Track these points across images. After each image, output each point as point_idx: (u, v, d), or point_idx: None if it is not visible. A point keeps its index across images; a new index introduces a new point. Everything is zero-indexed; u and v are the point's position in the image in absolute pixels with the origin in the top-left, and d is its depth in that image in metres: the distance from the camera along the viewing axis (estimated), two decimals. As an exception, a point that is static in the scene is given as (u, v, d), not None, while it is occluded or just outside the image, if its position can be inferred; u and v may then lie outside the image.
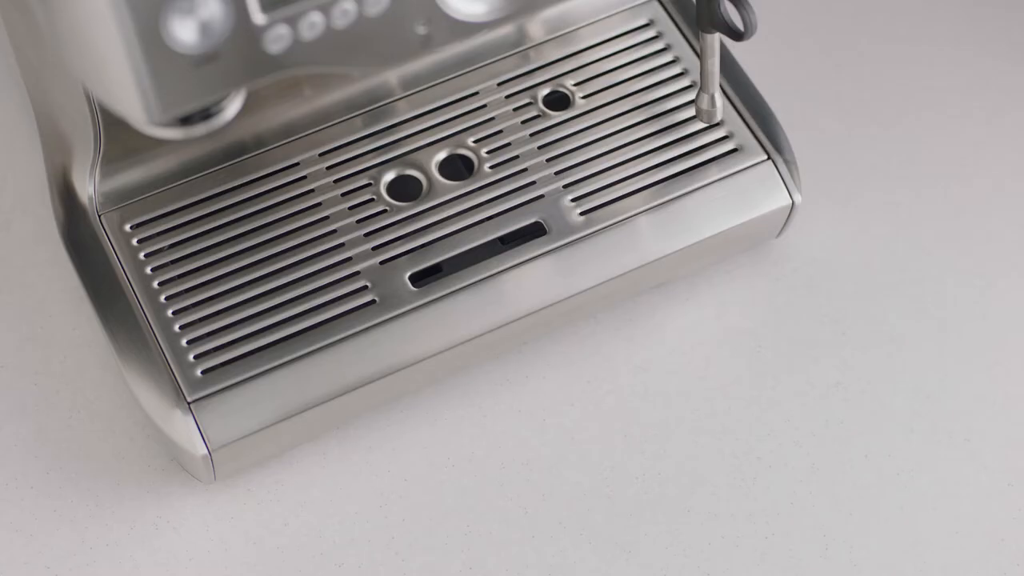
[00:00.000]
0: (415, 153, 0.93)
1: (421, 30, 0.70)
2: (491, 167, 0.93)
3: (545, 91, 0.95)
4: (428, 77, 0.95)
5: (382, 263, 0.89)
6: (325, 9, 0.66)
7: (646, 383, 0.93)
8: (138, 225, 0.90)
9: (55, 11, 0.66)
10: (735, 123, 0.95)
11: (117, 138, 0.88)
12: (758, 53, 1.03)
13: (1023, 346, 0.95)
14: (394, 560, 0.88)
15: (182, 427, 0.85)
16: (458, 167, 0.93)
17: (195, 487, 0.90)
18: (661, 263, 0.92)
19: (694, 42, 0.97)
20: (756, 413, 0.93)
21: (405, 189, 0.92)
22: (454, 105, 0.95)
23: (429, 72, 0.95)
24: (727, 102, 0.95)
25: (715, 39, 0.90)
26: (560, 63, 0.96)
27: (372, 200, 0.91)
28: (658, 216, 0.92)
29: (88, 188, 0.90)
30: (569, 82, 0.95)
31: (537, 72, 0.96)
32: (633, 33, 0.97)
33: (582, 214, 0.91)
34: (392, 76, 0.95)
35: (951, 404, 0.93)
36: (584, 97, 0.95)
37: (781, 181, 0.93)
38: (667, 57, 0.97)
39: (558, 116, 0.94)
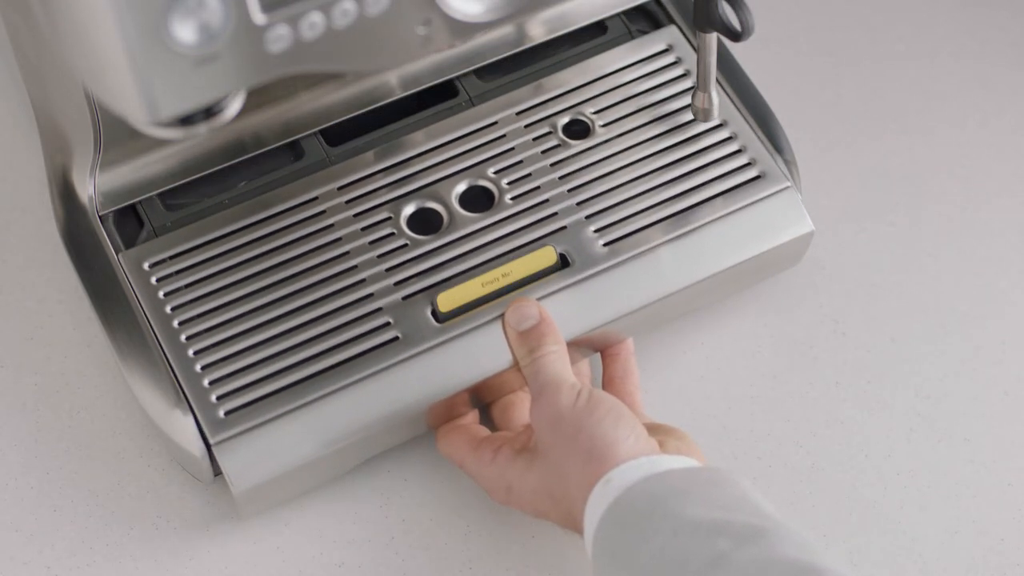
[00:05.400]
0: (435, 185, 0.91)
1: (421, 30, 0.70)
2: (512, 198, 0.91)
3: (565, 120, 0.94)
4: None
5: (404, 298, 0.88)
6: (325, 9, 0.66)
7: (646, 383, 0.93)
8: (157, 263, 0.88)
9: (55, 11, 0.66)
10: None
11: (117, 138, 0.88)
12: (758, 53, 1.03)
13: (1023, 346, 0.95)
14: (394, 560, 0.88)
15: (182, 427, 0.85)
16: (479, 199, 0.92)
17: (195, 487, 0.90)
18: (686, 294, 0.90)
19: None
20: (756, 413, 0.93)
21: (425, 222, 0.91)
22: (473, 135, 0.93)
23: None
24: (729, 103, 0.95)
25: (712, 38, 0.90)
26: (579, 91, 0.95)
27: (392, 234, 0.90)
28: (681, 246, 0.90)
29: (88, 188, 0.90)
30: (588, 110, 0.94)
31: (556, 100, 0.94)
32: (652, 59, 0.96)
33: (605, 245, 0.90)
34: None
35: (951, 404, 0.93)
36: (604, 125, 0.94)
37: (803, 208, 0.92)
38: (686, 83, 0.95)
39: (578, 145, 0.93)
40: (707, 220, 0.91)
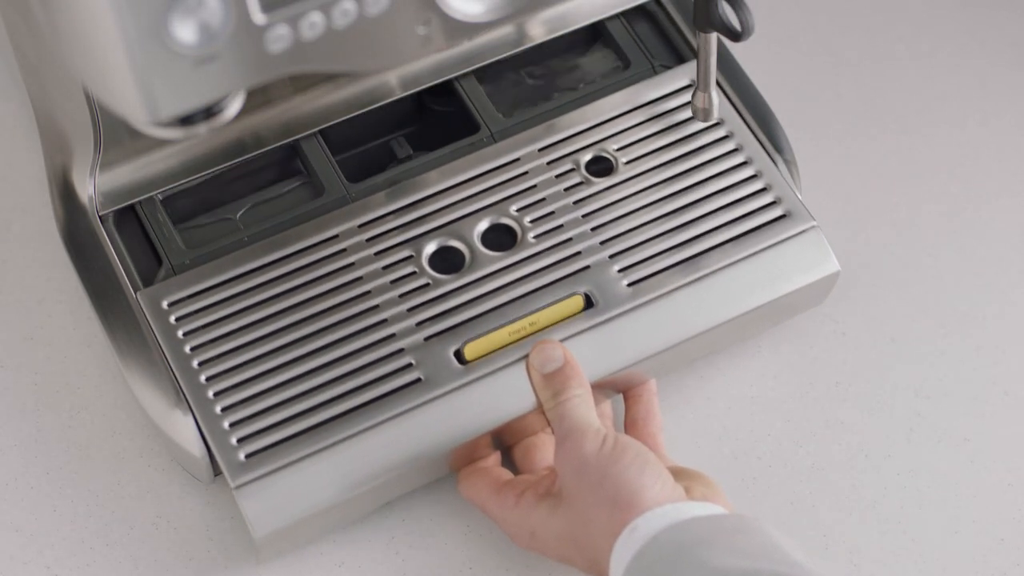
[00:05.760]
0: (456, 223, 0.90)
1: (421, 30, 0.70)
2: (535, 237, 0.90)
3: (587, 157, 0.92)
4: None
5: (426, 339, 0.87)
6: (325, 9, 0.66)
7: (646, 383, 0.93)
8: (176, 302, 0.87)
9: (55, 11, 0.66)
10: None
11: (117, 138, 0.88)
12: (758, 53, 1.03)
13: (1023, 346, 0.95)
14: (394, 560, 0.88)
15: (182, 427, 0.85)
16: (501, 237, 0.91)
17: (195, 487, 0.90)
18: (710, 335, 0.89)
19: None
20: (756, 413, 0.93)
21: (447, 261, 0.90)
22: (495, 172, 0.92)
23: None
24: (729, 104, 0.95)
25: (712, 39, 0.90)
26: (602, 127, 0.94)
27: (414, 273, 0.89)
28: (706, 287, 0.89)
29: (88, 188, 0.90)
30: (612, 147, 0.93)
31: (579, 137, 0.93)
32: (675, 95, 0.95)
33: (629, 285, 0.89)
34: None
35: (951, 404, 0.93)
36: (627, 163, 0.92)
37: (828, 248, 0.91)
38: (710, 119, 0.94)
39: (601, 182, 0.92)
40: (732, 260, 0.90)
